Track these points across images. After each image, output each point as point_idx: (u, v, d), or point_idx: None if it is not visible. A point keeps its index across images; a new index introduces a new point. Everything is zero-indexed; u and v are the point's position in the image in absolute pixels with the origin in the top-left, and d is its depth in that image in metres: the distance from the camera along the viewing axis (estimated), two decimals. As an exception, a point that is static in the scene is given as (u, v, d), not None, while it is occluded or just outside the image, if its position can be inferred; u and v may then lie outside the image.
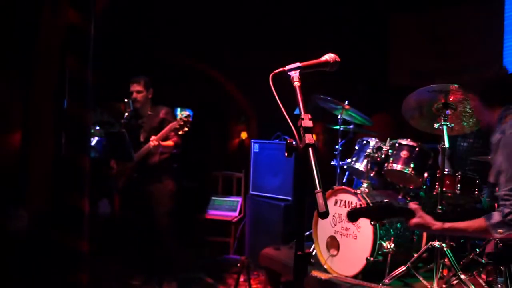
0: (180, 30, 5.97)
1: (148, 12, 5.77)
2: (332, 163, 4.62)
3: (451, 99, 3.49)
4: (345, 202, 3.83)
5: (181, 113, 4.13)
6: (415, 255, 3.58)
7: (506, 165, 2.01)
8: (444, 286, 3.39)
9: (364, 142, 4.22)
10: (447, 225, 2.17)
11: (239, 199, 6.11)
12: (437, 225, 2.20)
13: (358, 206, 3.30)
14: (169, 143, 4.28)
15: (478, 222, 2.03)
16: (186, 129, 4.10)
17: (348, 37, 6.25)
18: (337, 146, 4.55)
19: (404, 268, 3.49)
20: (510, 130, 2.12)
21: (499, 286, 3.09)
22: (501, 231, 1.85)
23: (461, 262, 3.67)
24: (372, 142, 4.14)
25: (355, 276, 3.64)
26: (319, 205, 1.46)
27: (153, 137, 4.18)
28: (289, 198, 5.08)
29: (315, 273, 3.71)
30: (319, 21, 6.32)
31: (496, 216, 1.89)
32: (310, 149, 1.59)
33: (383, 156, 4.04)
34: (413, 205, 2.32)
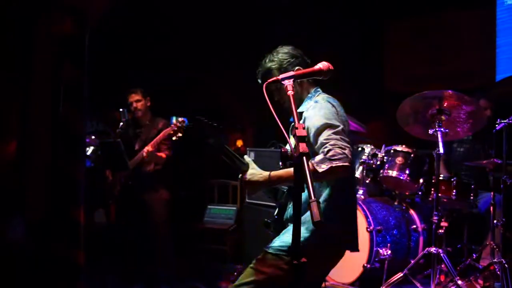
0: (175, 39, 5.98)
1: (144, 20, 5.78)
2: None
3: (445, 105, 3.50)
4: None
5: (176, 119, 4.10)
6: (412, 261, 3.58)
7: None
8: (441, 292, 3.40)
9: (359, 149, 4.22)
10: (275, 173, 2.22)
11: (235, 208, 6.09)
12: (264, 174, 2.26)
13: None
14: (162, 154, 4.30)
15: None
16: (180, 134, 4.08)
17: (342, 43, 6.27)
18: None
19: (401, 274, 3.48)
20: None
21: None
22: (324, 165, 2.02)
23: (458, 268, 3.66)
24: (367, 148, 4.15)
25: (352, 284, 3.64)
26: (313, 215, 1.46)
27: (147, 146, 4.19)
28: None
29: (312, 280, 3.70)
30: (313, 29, 6.34)
31: (319, 156, 2.07)
32: (304, 158, 1.59)
33: (378, 162, 4.04)
34: (247, 158, 2.38)
